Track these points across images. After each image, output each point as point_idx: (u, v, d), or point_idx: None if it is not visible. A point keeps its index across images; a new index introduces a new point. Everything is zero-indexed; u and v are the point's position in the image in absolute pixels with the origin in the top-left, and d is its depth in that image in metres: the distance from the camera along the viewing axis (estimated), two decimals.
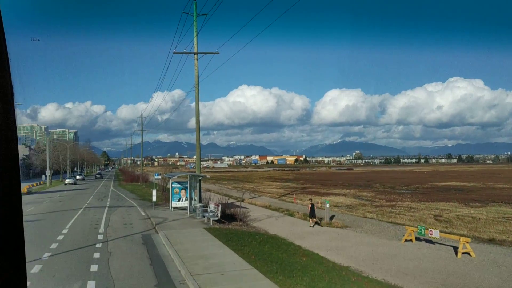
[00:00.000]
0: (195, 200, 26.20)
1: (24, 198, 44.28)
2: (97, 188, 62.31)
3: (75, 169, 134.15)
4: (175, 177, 25.73)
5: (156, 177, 31.80)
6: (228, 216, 22.88)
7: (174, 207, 27.94)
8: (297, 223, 23.62)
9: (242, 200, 40.30)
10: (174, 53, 28.87)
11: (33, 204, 35.81)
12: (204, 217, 23.20)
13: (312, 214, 22.88)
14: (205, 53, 29.17)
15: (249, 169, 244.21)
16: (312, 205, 23.25)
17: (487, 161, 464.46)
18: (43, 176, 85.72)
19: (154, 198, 28.91)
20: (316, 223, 23.27)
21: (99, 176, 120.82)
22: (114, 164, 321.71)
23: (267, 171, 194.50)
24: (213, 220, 21.28)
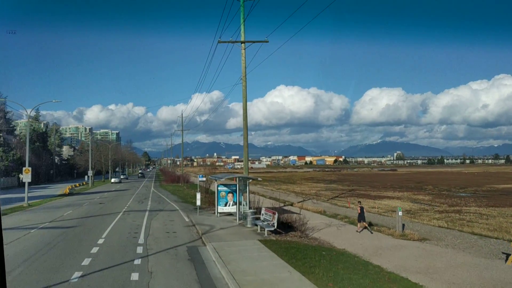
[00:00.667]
0: (244, 205, 23.33)
1: (65, 200, 42.87)
2: (137, 189, 60.76)
3: (117, 169, 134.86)
4: (223, 179, 22.88)
5: (200, 179, 29.07)
6: (282, 224, 19.85)
7: (220, 213, 25.19)
8: (364, 235, 20.29)
9: (291, 204, 37.20)
10: (219, 42, 26.12)
11: (72, 207, 34.06)
12: (256, 225, 20.29)
13: (361, 217, 21.12)
14: (254, 42, 26.27)
15: (288, 169, 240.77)
16: (362, 208, 21.37)
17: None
18: (86, 177, 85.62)
19: (198, 202, 26.27)
20: (365, 227, 21.20)
21: (141, 175, 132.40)
22: (154, 164, 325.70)
23: (307, 171, 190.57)
24: (268, 230, 18.27)
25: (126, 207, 32.91)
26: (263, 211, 19.80)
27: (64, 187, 61.88)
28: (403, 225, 22.12)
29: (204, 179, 28.51)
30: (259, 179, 26.09)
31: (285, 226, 19.66)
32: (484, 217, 30.45)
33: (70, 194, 52.67)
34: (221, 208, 25.02)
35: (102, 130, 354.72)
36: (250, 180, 23.64)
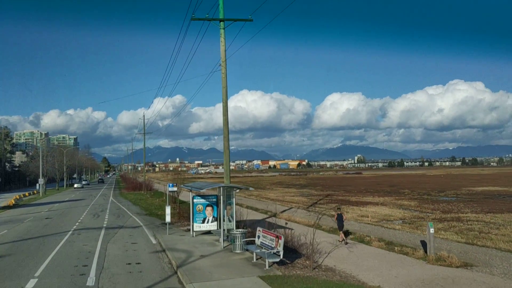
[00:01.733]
0: (228, 222, 18.25)
1: (5, 215, 36.31)
2: (94, 198, 54.28)
3: (74, 176, 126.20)
4: (203, 189, 17.53)
5: (170, 188, 23.44)
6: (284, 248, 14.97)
7: (197, 231, 20.01)
8: (389, 258, 15.70)
9: (274, 215, 32.40)
10: (192, 19, 21.06)
11: (10, 225, 27.81)
12: (247, 250, 15.39)
13: (340, 226, 19.24)
14: (235, 20, 21.37)
15: (253, 174, 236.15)
16: (339, 215, 19.53)
17: (491, 163, 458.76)
18: (37, 185, 77.87)
19: (168, 218, 20.93)
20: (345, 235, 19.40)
21: (101, 181, 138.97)
22: (114, 170, 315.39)
23: (274, 175, 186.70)
24: (270, 261, 13.31)
25: (77, 224, 27.05)
26: (259, 233, 14.78)
27: (11, 197, 54.75)
28: (422, 241, 17.81)
29: (175, 188, 23.10)
30: (251, 188, 21.12)
31: (286, 250, 14.84)
32: (492, 226, 26.80)
33: (15, 205, 45.87)
34: (198, 226, 19.83)
35: (59, 135, 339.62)
36: (237, 191, 18.62)
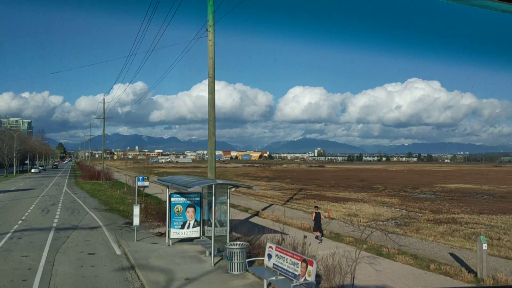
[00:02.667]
0: (219, 227, 13.98)
1: None
2: (46, 188, 48.50)
3: (26, 162, 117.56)
4: (192, 188, 12.86)
5: (140, 183, 18.51)
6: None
7: (174, 239, 15.74)
8: (433, 281, 12.08)
9: (257, 214, 28.50)
10: None
11: None
12: (246, 271, 11.40)
13: (317, 225, 18.55)
14: None
15: (216, 164, 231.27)
16: (318, 214, 18.70)
17: (445, 160, 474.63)
18: None
19: (136, 221, 16.44)
20: (317, 237, 18.28)
21: (55, 167, 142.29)
22: (71, 157, 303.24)
23: (237, 167, 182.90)
24: None
25: (20, 222, 22.02)
26: (271, 251, 10.66)
27: None
28: (452, 254, 14.39)
29: (146, 183, 18.37)
30: (256, 188, 16.92)
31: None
32: (498, 231, 24.14)
33: None
34: (176, 232, 15.51)
35: (11, 119, 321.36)
36: (233, 189, 14.42)
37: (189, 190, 13.11)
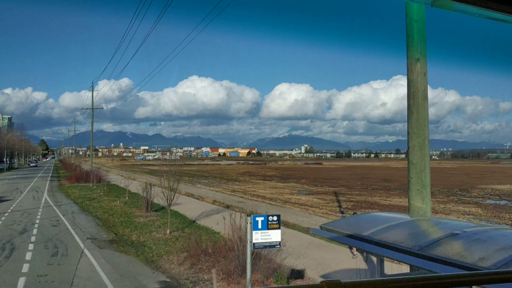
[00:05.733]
0: None
1: None
2: (20, 195, 37.17)
3: (6, 159, 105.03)
4: None
5: (262, 236, 8.70)
6: None
7: None
8: None
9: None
10: None
11: None
12: None
13: None
14: None
15: (206, 162, 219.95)
16: None
17: (433, 157, 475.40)
18: None
19: None
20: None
21: (34, 166, 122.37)
22: (53, 154, 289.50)
23: (231, 164, 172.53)
24: None
25: None
26: None
27: None
28: None
29: (274, 236, 8.40)
30: None
31: None
32: None
33: None
34: None
35: None
36: None
37: None
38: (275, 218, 7.08)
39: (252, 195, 43.05)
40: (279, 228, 7.10)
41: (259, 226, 6.84)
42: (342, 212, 33.84)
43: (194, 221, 22.09)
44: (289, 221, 23.45)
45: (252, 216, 7.06)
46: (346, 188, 55.54)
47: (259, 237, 6.82)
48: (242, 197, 39.10)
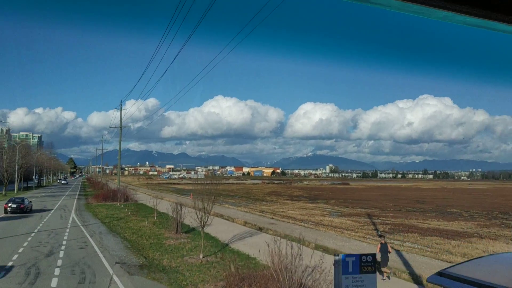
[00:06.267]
0: None
1: None
2: (47, 214, 36.57)
3: (34, 177, 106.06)
4: None
5: None
6: None
7: None
8: None
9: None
10: None
11: None
12: None
13: (385, 260, 14.85)
14: None
15: (231, 181, 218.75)
16: (384, 244, 15.41)
17: (462, 177, 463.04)
18: None
19: None
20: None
21: (65, 182, 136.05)
22: (81, 172, 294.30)
23: (257, 184, 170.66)
24: None
25: None
26: None
27: None
28: None
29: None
30: None
31: None
32: None
33: None
34: None
35: (21, 133, 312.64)
36: None
37: None
38: (369, 258, 5.67)
39: (281, 216, 41.55)
40: (374, 272, 5.66)
41: (350, 269, 5.41)
42: (380, 236, 31.98)
43: (227, 245, 20.76)
44: (328, 246, 21.89)
45: (341, 255, 5.65)
46: (378, 210, 53.43)
47: (349, 283, 5.38)
48: (272, 218, 37.61)
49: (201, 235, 18.32)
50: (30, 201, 41.46)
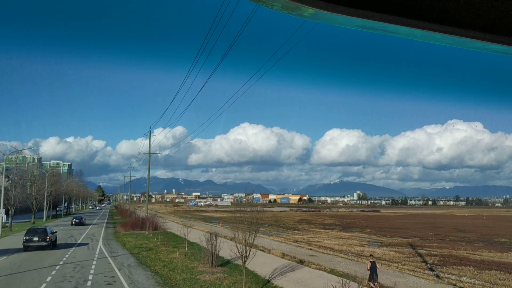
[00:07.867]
0: None
1: None
2: (74, 243, 35.08)
3: (63, 205, 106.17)
4: None
5: None
6: None
7: None
8: None
9: None
10: None
11: None
12: None
13: (373, 276, 16.97)
14: None
15: (258, 208, 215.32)
16: (373, 263, 17.39)
17: (496, 204, 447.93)
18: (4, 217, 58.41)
19: None
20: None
21: (98, 208, 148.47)
22: (109, 200, 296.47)
23: (284, 211, 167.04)
24: None
25: None
26: None
27: None
28: None
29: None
30: None
31: None
32: None
33: None
34: None
35: (52, 161, 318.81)
36: None
37: None
38: None
39: (318, 246, 39.04)
40: None
41: None
42: (432, 269, 29.11)
43: (268, 281, 18.55)
44: (383, 283, 19.37)
45: None
46: (419, 239, 50.24)
47: None
48: (310, 249, 35.08)
49: (239, 270, 16.27)
50: (55, 232, 33.54)
